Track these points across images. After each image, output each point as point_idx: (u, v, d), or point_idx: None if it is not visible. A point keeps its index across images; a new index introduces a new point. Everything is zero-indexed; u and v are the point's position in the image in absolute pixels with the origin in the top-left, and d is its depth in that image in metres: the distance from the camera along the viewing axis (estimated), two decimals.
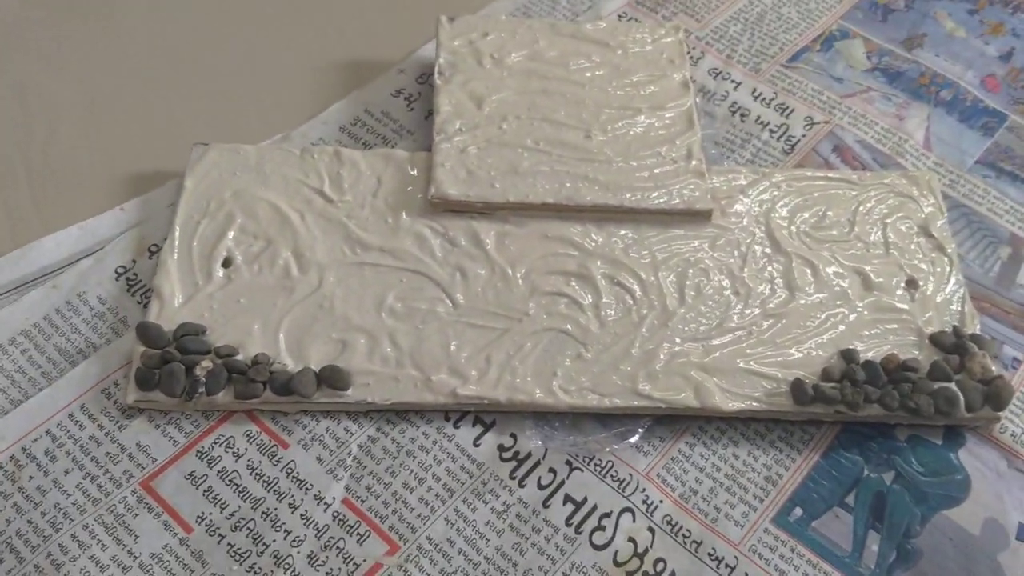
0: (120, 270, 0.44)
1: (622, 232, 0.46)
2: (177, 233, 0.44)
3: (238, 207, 0.45)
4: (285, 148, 0.47)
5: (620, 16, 0.58)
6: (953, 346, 0.42)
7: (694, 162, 0.47)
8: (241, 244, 0.44)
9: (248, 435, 0.40)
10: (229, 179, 0.46)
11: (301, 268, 0.43)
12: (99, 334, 0.42)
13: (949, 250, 0.46)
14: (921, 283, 0.45)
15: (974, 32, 0.60)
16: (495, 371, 0.41)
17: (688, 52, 0.55)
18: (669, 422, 0.41)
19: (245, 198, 0.45)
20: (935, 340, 0.43)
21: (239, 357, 0.40)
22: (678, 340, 0.42)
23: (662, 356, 0.42)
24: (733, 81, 0.55)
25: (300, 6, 0.57)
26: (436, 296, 0.43)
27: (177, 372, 0.39)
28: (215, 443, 0.39)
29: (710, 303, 0.43)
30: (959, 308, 0.44)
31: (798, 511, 0.40)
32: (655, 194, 0.46)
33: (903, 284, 0.45)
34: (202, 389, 0.39)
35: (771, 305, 0.43)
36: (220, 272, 0.43)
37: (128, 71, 0.53)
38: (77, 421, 0.40)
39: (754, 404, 0.41)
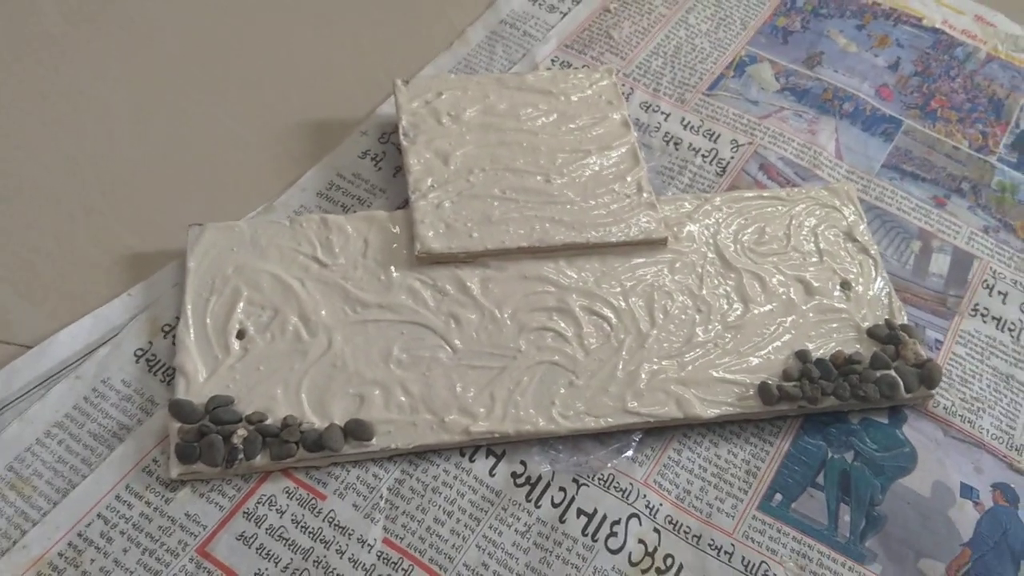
0: (139, 352, 0.47)
1: (591, 265, 0.51)
2: (190, 312, 0.47)
3: (242, 281, 0.48)
4: (274, 220, 0.51)
5: (553, 61, 0.63)
6: (887, 337, 0.49)
7: (645, 195, 0.53)
8: (251, 316, 0.47)
9: (287, 492, 0.43)
10: (228, 256, 0.49)
11: (310, 331, 0.47)
12: (129, 416, 0.45)
13: (872, 251, 0.53)
14: (853, 284, 0.51)
15: (864, 46, 0.67)
16: (500, 406, 0.45)
17: (620, 90, 0.61)
18: (657, 433, 0.47)
19: (247, 272, 0.49)
20: (872, 333, 0.49)
21: (269, 421, 0.44)
22: (655, 359, 0.48)
23: (643, 375, 0.47)
24: (663, 113, 0.61)
25: (253, 75, 0.60)
26: (436, 343, 0.47)
27: (216, 443, 0.43)
28: (258, 503, 0.43)
29: (677, 322, 0.49)
30: (887, 302, 0.51)
31: (778, 496, 0.46)
32: (615, 228, 0.52)
33: (838, 286, 0.51)
34: (241, 455, 0.43)
35: (730, 318, 0.49)
36: (236, 344, 0.46)
37: (106, 155, 0.55)
38: (125, 501, 0.43)
39: (729, 409, 0.46)
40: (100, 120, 0.57)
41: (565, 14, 0.66)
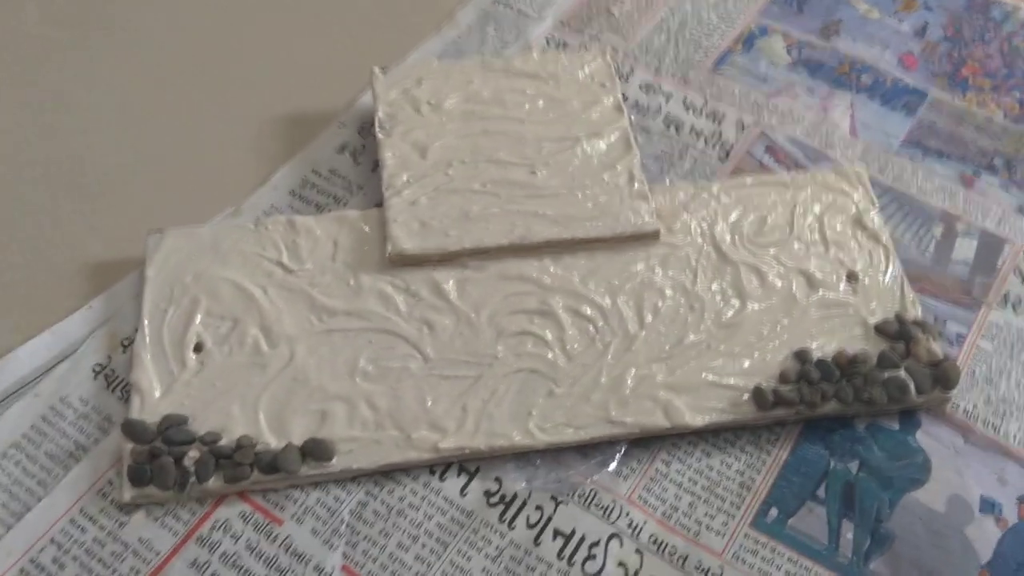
0: (97, 368, 0.45)
1: (577, 263, 0.47)
2: (146, 325, 0.45)
3: (201, 290, 0.46)
4: (239, 224, 0.48)
5: (548, 40, 0.60)
6: (897, 333, 0.45)
7: (636, 185, 0.49)
8: (209, 327, 0.45)
9: (243, 516, 0.41)
10: (188, 263, 0.47)
11: (271, 343, 0.45)
12: (86, 435, 0.43)
13: (884, 239, 0.48)
14: (861, 275, 0.47)
15: (887, 11, 0.62)
16: (472, 420, 0.42)
17: (617, 70, 0.57)
18: (644, 444, 0.43)
19: (207, 280, 0.46)
20: (880, 330, 0.45)
21: (223, 442, 0.41)
22: (642, 363, 0.44)
23: (629, 381, 0.44)
24: (664, 94, 0.57)
25: (225, 69, 0.58)
26: (406, 352, 0.45)
27: (167, 465, 0.40)
28: (213, 528, 0.41)
29: (667, 322, 0.45)
30: (899, 295, 0.46)
31: (774, 512, 0.42)
32: (603, 222, 0.48)
33: (844, 278, 0.47)
34: (193, 478, 0.40)
35: (725, 317, 0.46)
36: (193, 358, 0.44)
37: (72, 159, 0.53)
38: (79, 525, 0.41)
39: (720, 416, 0.43)
40: (67, 124, 0.55)
41: None
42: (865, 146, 0.54)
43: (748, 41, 0.60)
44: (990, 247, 0.51)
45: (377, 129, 0.51)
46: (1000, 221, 0.52)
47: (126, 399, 0.44)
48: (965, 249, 0.51)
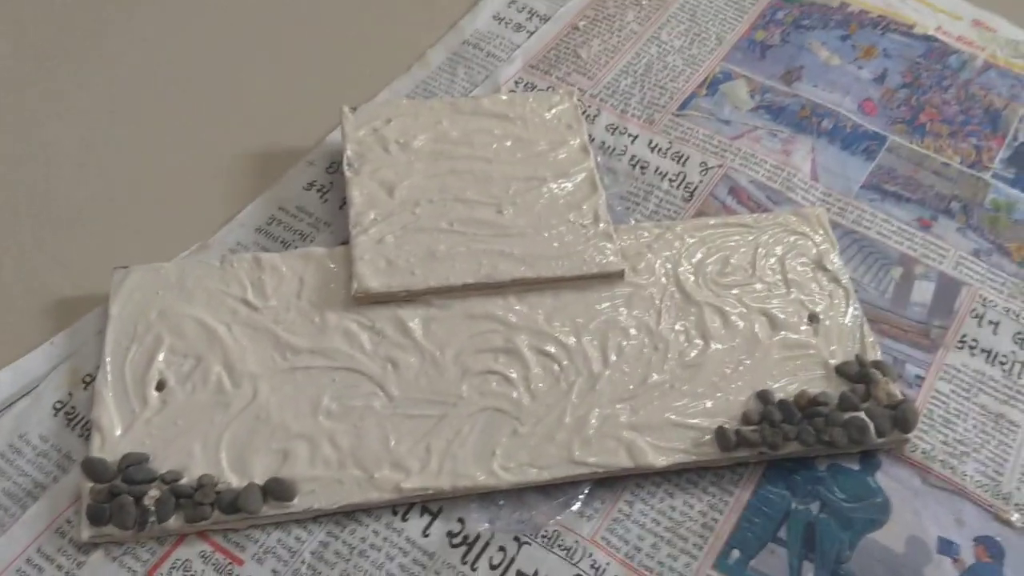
0: (58, 405, 0.45)
1: (543, 302, 0.48)
2: (108, 362, 0.44)
3: (165, 327, 0.46)
4: (204, 260, 0.48)
5: (517, 82, 0.60)
6: (858, 375, 0.45)
7: (602, 225, 0.50)
8: (172, 365, 0.45)
9: (203, 556, 0.41)
10: (153, 300, 0.47)
11: (234, 381, 0.44)
12: (45, 473, 0.43)
13: (844, 281, 0.49)
14: (822, 316, 0.48)
15: (847, 58, 0.63)
16: (436, 460, 0.42)
17: (584, 111, 0.58)
18: (608, 484, 0.43)
19: (171, 317, 0.46)
20: (841, 371, 0.46)
21: (184, 481, 0.41)
22: (606, 403, 0.44)
23: (593, 421, 0.44)
24: (630, 135, 0.58)
25: (194, 105, 0.58)
26: (370, 391, 0.45)
27: (127, 504, 0.40)
28: (172, 568, 0.40)
29: (631, 362, 0.46)
30: (859, 336, 0.47)
31: (736, 553, 0.42)
32: (568, 261, 0.48)
33: (806, 320, 0.48)
34: (152, 518, 0.40)
35: (688, 357, 0.46)
36: (155, 396, 0.44)
37: (37, 193, 0.53)
38: (36, 565, 0.40)
39: (684, 456, 0.43)
40: (32, 156, 0.55)
41: (532, 33, 0.63)
42: (826, 189, 0.55)
43: (712, 85, 0.61)
44: (947, 290, 0.52)
45: (345, 167, 0.52)
46: (957, 264, 0.53)
47: (86, 437, 0.43)
48: (923, 292, 0.51)
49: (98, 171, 0.54)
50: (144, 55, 0.61)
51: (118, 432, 0.43)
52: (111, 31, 0.62)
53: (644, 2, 0.66)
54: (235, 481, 0.41)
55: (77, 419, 0.44)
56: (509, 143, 0.53)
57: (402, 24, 0.64)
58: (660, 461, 0.43)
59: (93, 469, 0.41)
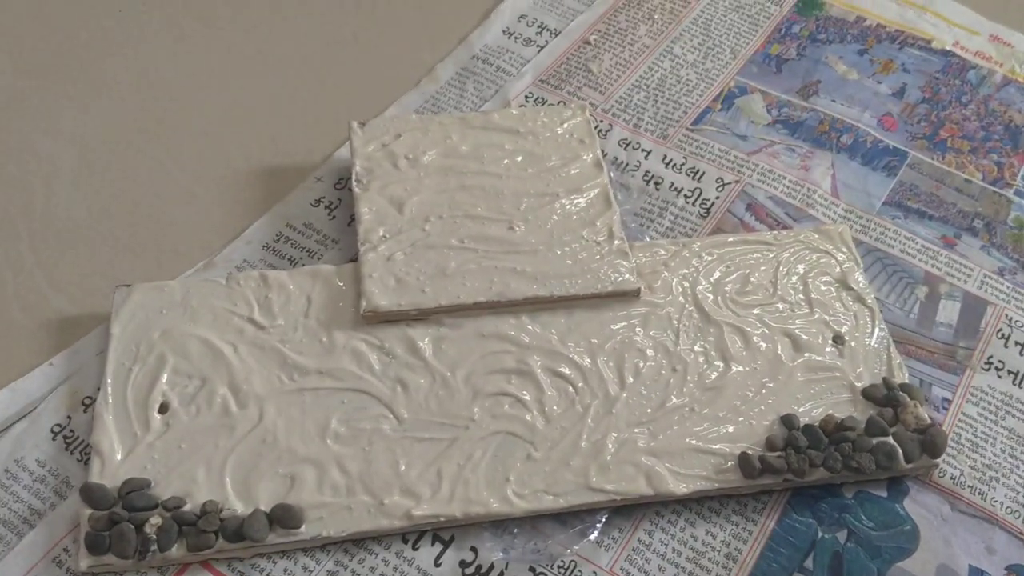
0: (56, 429, 0.43)
1: (556, 321, 0.46)
2: (109, 384, 0.43)
3: (168, 347, 0.44)
4: (210, 278, 0.47)
5: (527, 97, 0.59)
6: (885, 399, 0.44)
7: (616, 242, 0.48)
8: (176, 386, 0.43)
9: None
10: (156, 319, 0.45)
11: (239, 403, 0.43)
12: (42, 499, 0.41)
13: (869, 300, 0.48)
14: (847, 337, 0.46)
15: (866, 72, 0.62)
16: (447, 486, 0.41)
17: (596, 126, 0.56)
18: (626, 511, 0.42)
19: (175, 337, 0.45)
20: (867, 394, 0.44)
21: (187, 508, 0.40)
22: (623, 427, 0.43)
23: (610, 446, 0.42)
24: (643, 150, 0.56)
25: (200, 120, 0.57)
26: (380, 413, 0.43)
27: (127, 533, 0.38)
28: None
29: (649, 384, 0.44)
30: (886, 358, 0.46)
31: None
32: (582, 280, 0.47)
33: (831, 341, 0.46)
34: (154, 547, 0.38)
35: (709, 379, 0.44)
36: (157, 419, 0.42)
37: (37, 210, 0.52)
38: None
39: (705, 483, 0.41)
40: (31, 173, 0.53)
41: (542, 47, 0.62)
42: (847, 206, 0.54)
43: (728, 99, 0.59)
44: (973, 309, 0.50)
45: (354, 183, 0.50)
46: (982, 283, 0.51)
47: (86, 462, 0.42)
48: (949, 311, 0.50)
49: (99, 187, 0.53)
50: (147, 69, 0.59)
51: (119, 456, 0.41)
52: (112, 46, 0.61)
53: (656, 16, 0.64)
54: (240, 507, 0.40)
55: (76, 443, 0.43)
56: (520, 158, 0.52)
57: (411, 39, 0.63)
58: (681, 488, 0.41)
59: (92, 495, 0.39)
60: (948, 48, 0.64)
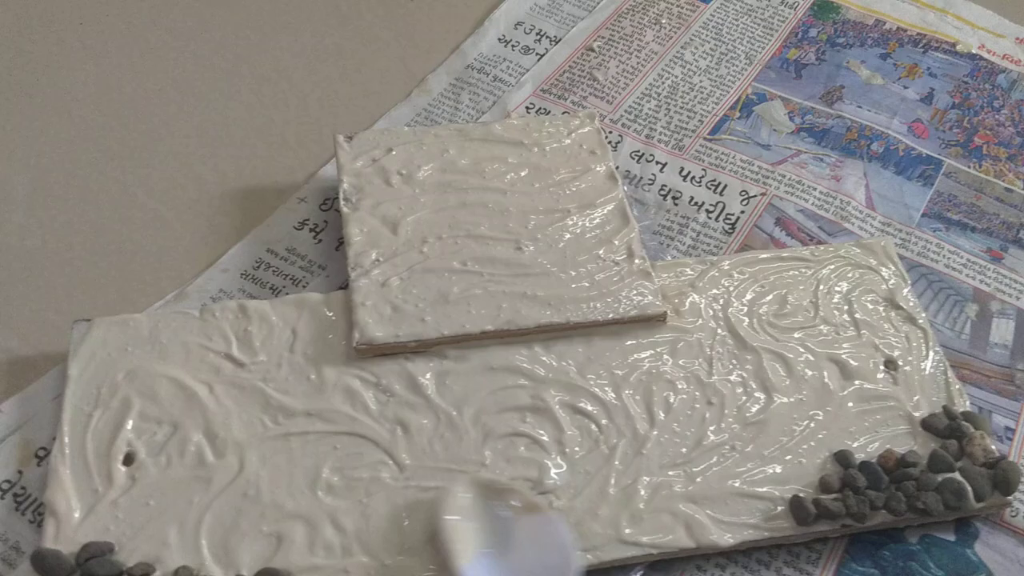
0: (5, 486, 0.38)
1: (573, 351, 0.41)
2: (66, 432, 0.37)
3: (134, 390, 0.39)
4: (181, 310, 0.42)
5: (528, 108, 0.54)
6: (947, 429, 0.39)
7: (637, 261, 0.44)
8: (143, 434, 0.38)
9: None
10: (120, 358, 0.40)
11: (216, 452, 0.37)
12: None
13: (920, 320, 0.43)
14: (900, 362, 0.41)
15: (890, 77, 0.58)
16: None
17: (606, 138, 0.52)
18: (663, 566, 0.37)
19: (141, 377, 0.39)
20: (927, 425, 0.39)
21: (157, 575, 0.34)
22: (656, 469, 0.38)
23: (643, 491, 0.37)
24: (658, 162, 0.52)
25: (167, 137, 0.52)
26: (378, 459, 0.38)
27: None
28: None
29: (683, 420, 0.39)
30: (943, 384, 0.41)
31: None
32: (601, 304, 0.42)
33: (882, 366, 0.41)
34: None
35: (750, 413, 0.39)
36: (122, 472, 0.37)
37: None
38: None
39: (753, 533, 0.36)
40: None
41: (541, 56, 0.58)
42: (884, 218, 0.50)
43: (746, 107, 0.55)
44: None
45: (341, 202, 0.45)
46: None
47: (39, 523, 0.37)
48: (1003, 331, 0.45)
49: (56, 213, 0.48)
50: (109, 85, 0.54)
51: (77, 516, 0.36)
52: (71, 60, 0.55)
53: (663, 21, 0.60)
54: (218, 574, 0.34)
55: (28, 502, 0.37)
56: (525, 172, 0.47)
57: (399, 49, 0.58)
58: (726, 539, 0.36)
59: (45, 564, 0.34)
60: (974, 51, 0.60)
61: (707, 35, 0.59)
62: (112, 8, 0.58)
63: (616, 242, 0.44)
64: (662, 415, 0.39)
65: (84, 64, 0.55)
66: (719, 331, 0.42)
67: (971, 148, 0.54)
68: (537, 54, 0.58)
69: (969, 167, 0.53)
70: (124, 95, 0.54)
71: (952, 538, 0.38)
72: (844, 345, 0.42)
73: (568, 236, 0.45)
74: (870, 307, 0.43)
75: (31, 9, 0.58)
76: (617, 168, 0.50)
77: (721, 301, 0.43)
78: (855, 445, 0.39)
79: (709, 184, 0.51)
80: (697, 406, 0.40)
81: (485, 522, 0.35)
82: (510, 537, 0.35)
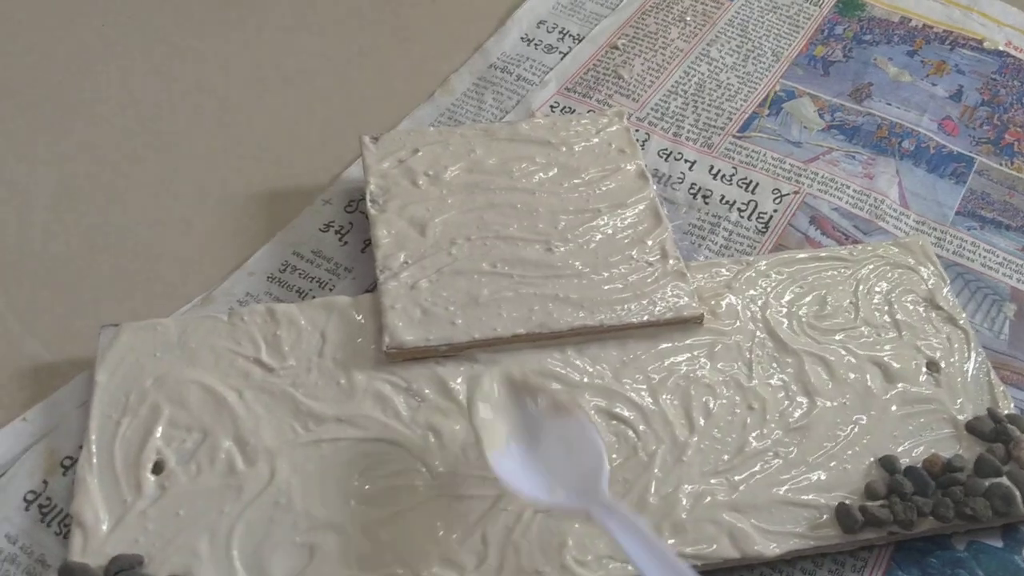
0: (30, 496, 0.37)
1: (607, 354, 0.41)
2: (94, 440, 0.37)
3: (163, 396, 0.38)
4: (209, 315, 0.41)
5: (552, 107, 0.53)
6: (993, 432, 0.38)
7: (671, 261, 0.43)
8: (172, 441, 0.37)
9: None
10: (149, 363, 0.39)
11: (247, 459, 0.37)
12: None
13: (961, 321, 0.42)
14: (942, 364, 0.40)
15: (918, 74, 0.57)
16: (495, 553, 0.35)
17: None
18: None
19: (170, 383, 0.38)
20: (972, 428, 0.38)
21: None
22: (697, 477, 0.37)
23: (684, 500, 0.36)
24: (687, 160, 0.51)
25: (192, 142, 0.51)
26: (410, 467, 0.37)
27: None
28: None
29: (724, 425, 0.38)
30: (987, 386, 0.40)
31: None
32: (635, 306, 0.41)
33: (924, 368, 0.40)
34: None
35: (792, 418, 0.38)
36: (151, 481, 0.36)
37: (7, 246, 0.46)
38: None
39: (799, 542, 0.35)
40: (9, 203, 0.47)
41: (565, 54, 0.57)
42: (919, 216, 0.49)
43: (775, 104, 0.54)
44: None
45: (368, 204, 0.45)
46: None
47: (65, 535, 0.36)
48: None
49: (81, 217, 0.47)
50: (133, 88, 0.54)
51: (105, 528, 0.35)
52: (93, 63, 0.55)
53: (688, 18, 0.59)
54: None
55: (54, 513, 0.37)
56: (554, 172, 0.46)
57: (421, 49, 0.57)
58: (772, 549, 0.35)
59: None
60: (1001, 48, 0.59)
61: (733, 32, 0.58)
62: (135, 11, 0.57)
63: (649, 242, 0.44)
64: (702, 421, 0.38)
65: (106, 67, 0.55)
66: (758, 333, 0.41)
67: (1002, 145, 0.53)
68: (560, 52, 0.57)
69: (1001, 164, 0.52)
70: (148, 98, 0.53)
71: (1000, 544, 0.37)
72: (886, 347, 0.41)
73: (599, 236, 0.44)
74: (910, 308, 0.42)
75: (54, 12, 0.57)
76: (646, 166, 0.49)
77: (759, 302, 0.42)
78: (900, 450, 0.38)
79: (740, 182, 0.50)
80: (738, 411, 0.39)
81: (515, 416, 0.34)
82: (540, 434, 0.34)
